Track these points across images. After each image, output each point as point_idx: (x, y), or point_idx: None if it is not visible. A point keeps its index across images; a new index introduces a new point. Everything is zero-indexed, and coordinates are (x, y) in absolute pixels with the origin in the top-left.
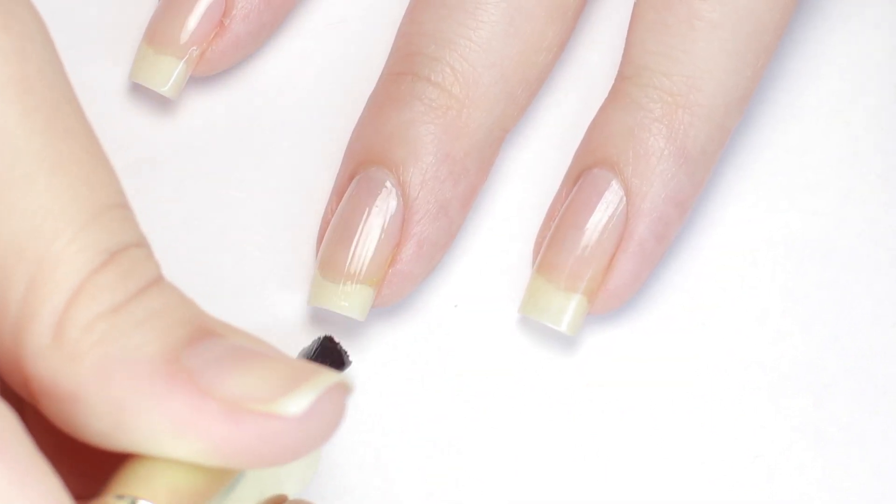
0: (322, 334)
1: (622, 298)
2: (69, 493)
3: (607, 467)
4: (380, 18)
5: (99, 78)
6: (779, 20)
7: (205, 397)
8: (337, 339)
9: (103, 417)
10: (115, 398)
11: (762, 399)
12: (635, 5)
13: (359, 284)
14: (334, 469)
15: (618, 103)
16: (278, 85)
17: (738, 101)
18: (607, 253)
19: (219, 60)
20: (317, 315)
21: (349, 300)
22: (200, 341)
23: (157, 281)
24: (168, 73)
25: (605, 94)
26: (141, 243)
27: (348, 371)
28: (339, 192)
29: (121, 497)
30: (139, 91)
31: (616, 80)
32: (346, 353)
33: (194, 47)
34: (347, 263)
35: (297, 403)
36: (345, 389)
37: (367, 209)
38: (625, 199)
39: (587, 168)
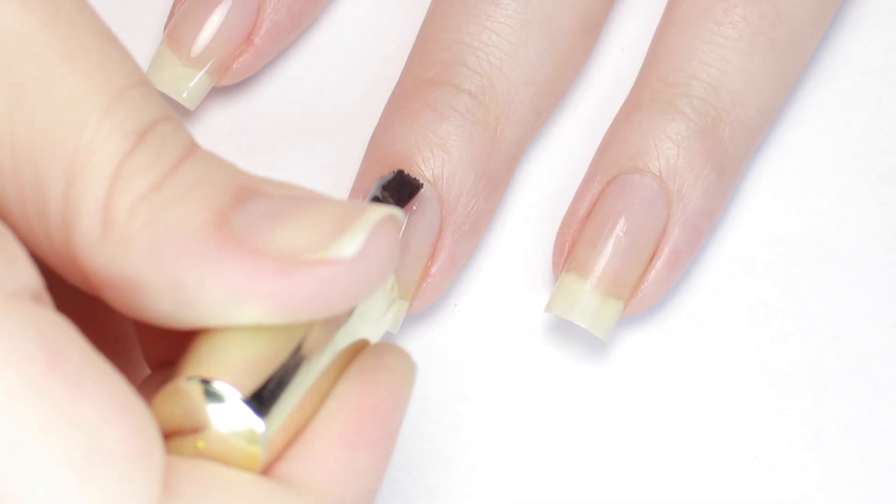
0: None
1: (649, 304)
2: (135, 390)
3: (607, 466)
4: (381, 18)
5: None
6: (817, 42)
7: (258, 256)
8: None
9: (164, 297)
10: (170, 275)
11: (762, 399)
12: (685, 10)
13: (398, 300)
14: None
15: (660, 110)
16: (286, 87)
17: (771, 117)
18: (646, 260)
19: (241, 73)
20: None
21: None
22: (244, 202)
23: (192, 151)
24: (194, 85)
25: (600, 94)
26: (167, 117)
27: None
28: (366, 195)
29: (191, 378)
30: None
31: (654, 82)
32: (418, 180)
33: (218, 61)
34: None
35: (351, 244)
36: (395, 221)
37: (416, 223)
38: (667, 208)
39: (625, 172)
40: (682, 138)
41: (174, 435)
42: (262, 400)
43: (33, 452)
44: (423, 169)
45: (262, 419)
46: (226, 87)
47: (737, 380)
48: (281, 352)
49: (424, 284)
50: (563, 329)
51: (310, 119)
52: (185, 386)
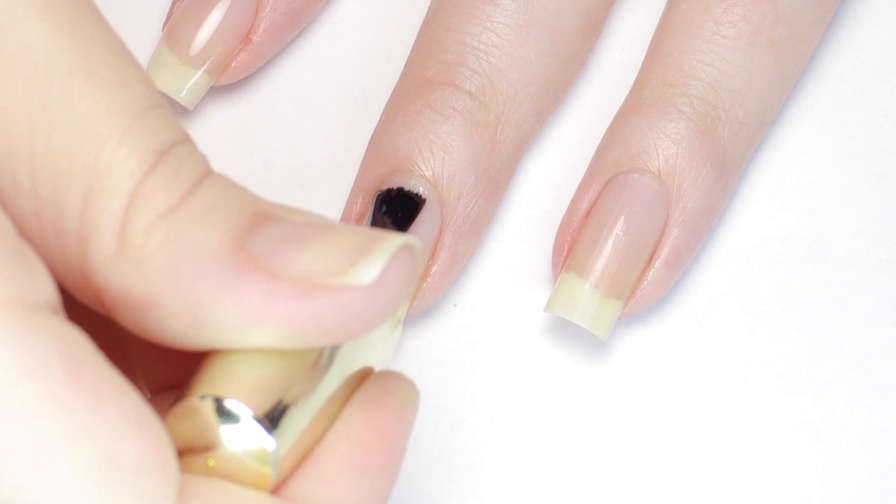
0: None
1: (649, 303)
2: (150, 406)
3: (607, 466)
4: (381, 18)
5: None
6: (816, 42)
7: (275, 279)
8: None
9: (179, 317)
10: (187, 296)
11: (762, 398)
12: (684, 10)
13: None
14: None
15: (660, 110)
16: (286, 87)
17: (770, 117)
18: (646, 259)
19: (240, 72)
20: None
21: None
22: (261, 226)
23: (208, 173)
24: (193, 84)
25: (600, 94)
26: (185, 139)
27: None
28: (368, 195)
29: (204, 397)
30: None
31: (653, 82)
32: (420, 195)
33: (217, 60)
34: None
35: (369, 271)
36: (412, 250)
37: (417, 223)
38: (667, 207)
39: (625, 171)
40: (681, 138)
41: (185, 453)
42: (274, 420)
43: (54, 464)
44: (424, 169)
45: (274, 439)
46: (224, 86)
47: (737, 379)
48: (293, 374)
49: (425, 284)
50: (563, 328)
51: (309, 119)
52: (198, 404)
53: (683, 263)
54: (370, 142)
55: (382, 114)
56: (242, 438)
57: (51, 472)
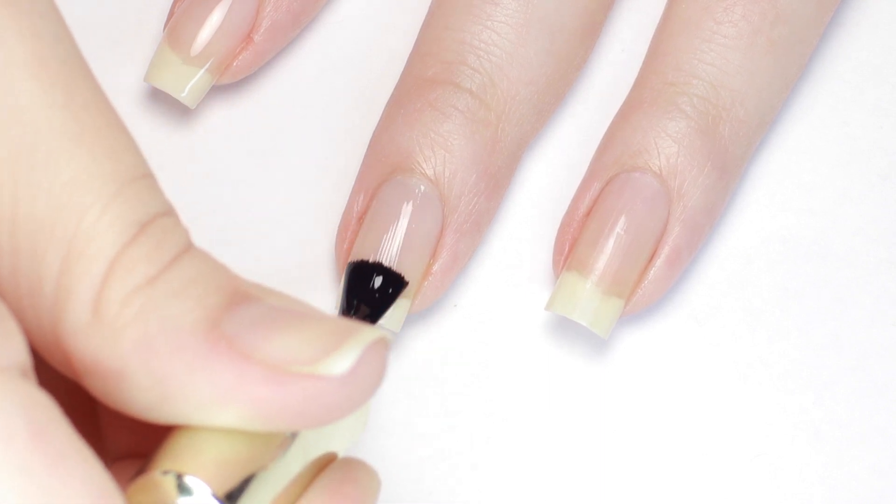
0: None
1: (649, 302)
2: (112, 477)
3: (607, 465)
4: (381, 18)
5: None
6: (816, 41)
7: (247, 362)
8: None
9: (147, 390)
10: (157, 370)
11: (762, 398)
12: (684, 10)
13: (401, 298)
14: None
15: (661, 109)
16: (286, 86)
17: (771, 116)
18: (647, 258)
19: (241, 71)
20: None
21: (392, 314)
22: (238, 306)
23: (188, 248)
24: (195, 84)
25: (600, 94)
26: (168, 212)
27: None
28: (369, 194)
29: (167, 472)
30: (150, 96)
31: (654, 81)
32: (401, 276)
33: (219, 59)
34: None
35: (341, 363)
36: (384, 345)
37: (419, 222)
38: (668, 206)
39: (626, 170)
40: (682, 136)
41: None
42: (233, 500)
43: None
44: (425, 167)
45: None
46: (225, 85)
47: (737, 378)
48: (256, 455)
49: (426, 283)
50: (563, 328)
51: (310, 118)
52: (160, 479)
53: (684, 262)
54: (371, 140)
55: (383, 113)
56: None
57: None
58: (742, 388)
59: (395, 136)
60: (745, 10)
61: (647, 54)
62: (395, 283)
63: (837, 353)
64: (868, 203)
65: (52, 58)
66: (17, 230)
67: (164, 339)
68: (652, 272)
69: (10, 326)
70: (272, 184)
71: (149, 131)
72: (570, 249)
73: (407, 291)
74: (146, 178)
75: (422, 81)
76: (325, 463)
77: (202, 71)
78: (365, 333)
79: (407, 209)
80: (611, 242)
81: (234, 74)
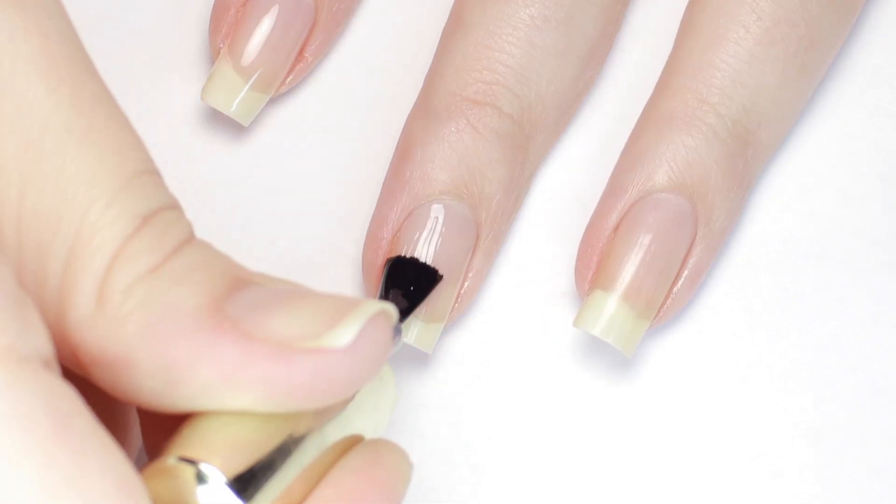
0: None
1: (667, 320)
2: (134, 467)
3: (607, 465)
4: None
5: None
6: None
7: (252, 342)
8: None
9: (155, 378)
10: (163, 356)
11: (762, 398)
12: (721, 25)
13: (434, 323)
14: None
15: (695, 128)
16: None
17: (785, 136)
18: (672, 278)
19: (290, 85)
20: None
21: (424, 336)
22: (240, 290)
23: (191, 239)
24: (249, 102)
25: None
26: (172, 205)
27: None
28: (406, 211)
29: (180, 459)
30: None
31: (687, 97)
32: (436, 272)
33: (273, 77)
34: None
35: (345, 334)
36: (388, 317)
37: (461, 250)
38: (695, 227)
39: (657, 189)
40: (715, 160)
41: None
42: (246, 485)
43: None
44: (464, 192)
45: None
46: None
47: (737, 379)
48: (270, 438)
49: (455, 306)
50: (563, 328)
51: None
52: (174, 465)
53: (701, 280)
54: (401, 149)
55: (413, 122)
56: (214, 502)
57: None
58: (742, 388)
59: (436, 156)
60: (783, 32)
61: (675, 62)
62: (430, 280)
63: (837, 353)
64: (868, 204)
65: (59, 56)
66: (24, 223)
67: (168, 325)
68: (675, 292)
69: (33, 318)
70: (287, 188)
71: (203, 147)
72: (598, 266)
73: (440, 315)
74: (151, 173)
75: (460, 99)
76: (350, 445)
77: (261, 95)
78: (367, 306)
79: (444, 230)
80: (642, 263)
81: (283, 89)
